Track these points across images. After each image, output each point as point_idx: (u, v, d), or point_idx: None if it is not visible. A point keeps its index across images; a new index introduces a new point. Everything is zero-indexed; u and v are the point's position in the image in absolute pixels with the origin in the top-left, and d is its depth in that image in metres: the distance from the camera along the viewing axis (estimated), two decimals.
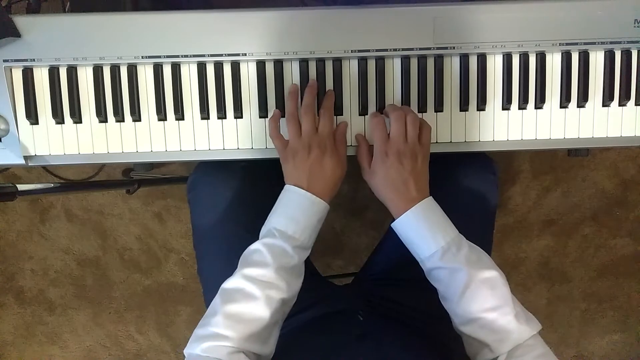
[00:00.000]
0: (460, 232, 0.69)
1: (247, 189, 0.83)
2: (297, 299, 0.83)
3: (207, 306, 0.81)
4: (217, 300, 0.64)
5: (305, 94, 0.73)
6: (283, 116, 0.73)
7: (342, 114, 0.74)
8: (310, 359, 0.72)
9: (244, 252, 0.68)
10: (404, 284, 0.86)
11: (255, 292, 0.62)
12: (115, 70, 0.72)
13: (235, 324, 0.61)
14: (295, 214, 0.68)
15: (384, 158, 0.69)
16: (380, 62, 0.72)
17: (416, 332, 0.81)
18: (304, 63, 0.72)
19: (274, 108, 0.73)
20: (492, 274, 0.65)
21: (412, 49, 0.72)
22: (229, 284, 0.64)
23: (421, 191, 0.69)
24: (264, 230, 0.70)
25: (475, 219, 0.82)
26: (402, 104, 0.73)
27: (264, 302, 0.62)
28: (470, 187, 0.82)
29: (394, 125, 0.69)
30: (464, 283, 0.64)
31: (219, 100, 0.73)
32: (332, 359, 0.69)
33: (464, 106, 0.74)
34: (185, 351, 0.60)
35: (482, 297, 0.64)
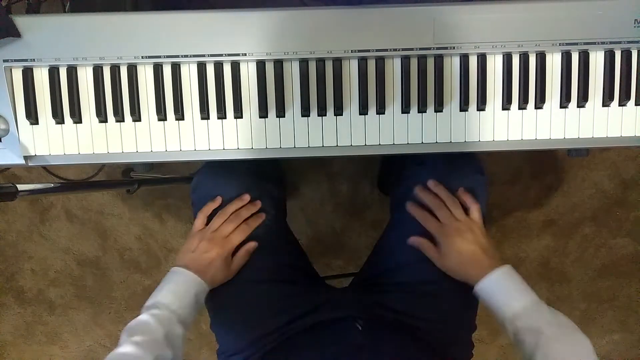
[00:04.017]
0: None
1: (251, 189, 0.83)
2: (296, 305, 0.84)
3: (208, 304, 0.82)
4: None
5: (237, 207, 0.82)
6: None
7: (342, 114, 0.74)
8: None
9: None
10: (401, 288, 0.86)
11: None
12: (115, 70, 0.72)
13: None
14: (167, 284, 0.75)
15: (447, 240, 0.78)
16: (380, 62, 0.72)
17: (415, 339, 0.81)
18: (304, 63, 0.72)
19: (274, 108, 0.73)
20: (575, 335, 0.68)
21: (412, 49, 0.72)
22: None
23: (493, 259, 0.76)
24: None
25: None
26: (402, 104, 0.73)
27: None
28: (459, 187, 0.83)
29: (439, 213, 0.79)
30: (544, 345, 0.66)
31: (219, 100, 0.73)
32: None
33: (464, 106, 0.74)
34: None
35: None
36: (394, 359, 0.73)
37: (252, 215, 0.83)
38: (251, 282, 0.83)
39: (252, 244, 0.82)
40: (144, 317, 0.69)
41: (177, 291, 0.74)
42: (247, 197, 0.82)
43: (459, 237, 0.77)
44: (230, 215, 0.81)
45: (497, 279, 0.74)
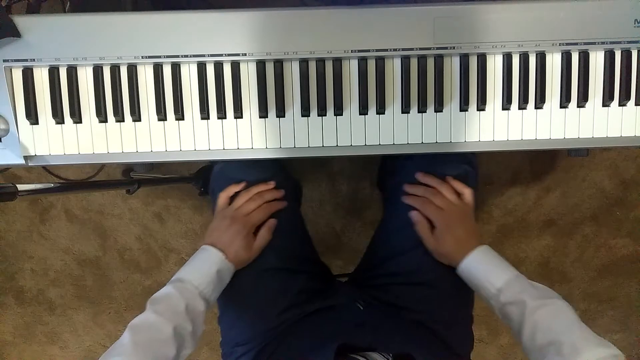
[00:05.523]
0: None
1: (276, 178, 0.85)
2: (304, 299, 0.85)
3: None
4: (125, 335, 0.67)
5: (264, 191, 0.83)
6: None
7: (342, 114, 0.74)
8: (312, 342, 0.74)
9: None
10: (396, 279, 0.87)
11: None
12: (115, 70, 0.72)
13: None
14: (192, 261, 0.78)
15: (445, 224, 0.79)
16: (380, 62, 0.72)
17: (411, 321, 0.83)
18: (304, 63, 0.72)
19: (274, 108, 0.73)
20: (557, 302, 0.68)
21: (412, 49, 0.72)
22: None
23: (477, 241, 0.79)
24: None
25: None
26: (402, 104, 0.73)
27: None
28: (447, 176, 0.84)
29: (436, 200, 0.80)
30: (529, 312, 0.67)
31: (219, 100, 0.73)
32: (331, 341, 0.71)
33: (464, 106, 0.74)
34: None
35: (551, 324, 0.65)
36: (391, 332, 0.76)
37: (273, 200, 0.84)
38: (262, 271, 0.84)
39: (272, 221, 0.83)
40: (167, 288, 0.72)
41: (200, 267, 0.76)
42: (272, 184, 0.84)
43: (457, 220, 0.79)
44: (253, 195, 0.82)
45: (476, 257, 0.76)
